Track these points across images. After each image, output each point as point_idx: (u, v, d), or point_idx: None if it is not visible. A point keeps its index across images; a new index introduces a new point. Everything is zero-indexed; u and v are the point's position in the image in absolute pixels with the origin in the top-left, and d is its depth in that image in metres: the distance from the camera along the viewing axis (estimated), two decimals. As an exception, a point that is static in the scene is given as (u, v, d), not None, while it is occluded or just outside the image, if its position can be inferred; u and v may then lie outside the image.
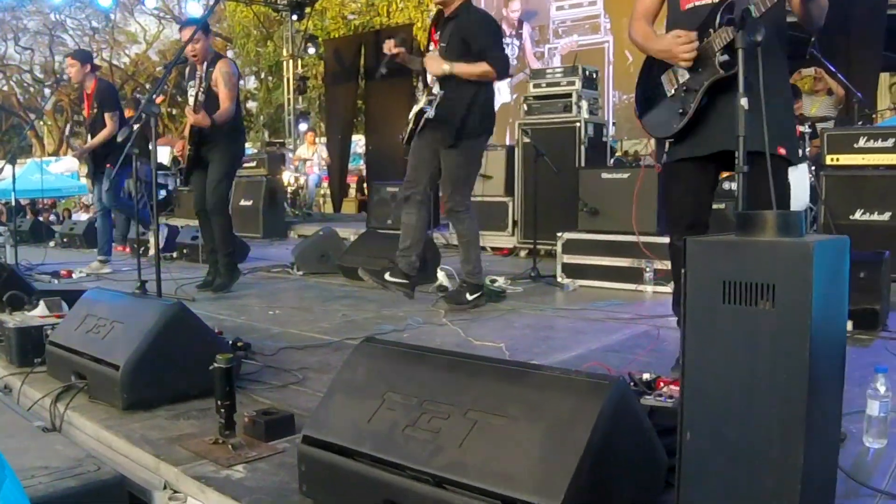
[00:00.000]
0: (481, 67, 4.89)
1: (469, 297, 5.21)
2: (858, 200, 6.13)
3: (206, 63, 5.93)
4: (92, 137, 7.60)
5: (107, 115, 7.47)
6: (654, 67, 3.35)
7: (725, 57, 2.98)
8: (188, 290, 5.90)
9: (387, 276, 5.08)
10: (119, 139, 5.15)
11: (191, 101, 5.84)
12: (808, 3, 2.90)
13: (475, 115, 5.02)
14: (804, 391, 1.51)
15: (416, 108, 5.16)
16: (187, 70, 6.23)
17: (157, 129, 4.38)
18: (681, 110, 3.19)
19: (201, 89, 5.62)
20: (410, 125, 5.14)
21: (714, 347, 1.60)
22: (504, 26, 13.23)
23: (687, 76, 3.17)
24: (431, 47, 5.17)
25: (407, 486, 1.81)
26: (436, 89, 5.03)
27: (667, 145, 3.32)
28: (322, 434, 2.03)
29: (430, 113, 4.94)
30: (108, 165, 7.50)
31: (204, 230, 6.37)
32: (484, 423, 1.78)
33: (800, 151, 6.94)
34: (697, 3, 3.17)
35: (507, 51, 13.86)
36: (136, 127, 4.96)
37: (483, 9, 4.86)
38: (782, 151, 3.04)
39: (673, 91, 3.24)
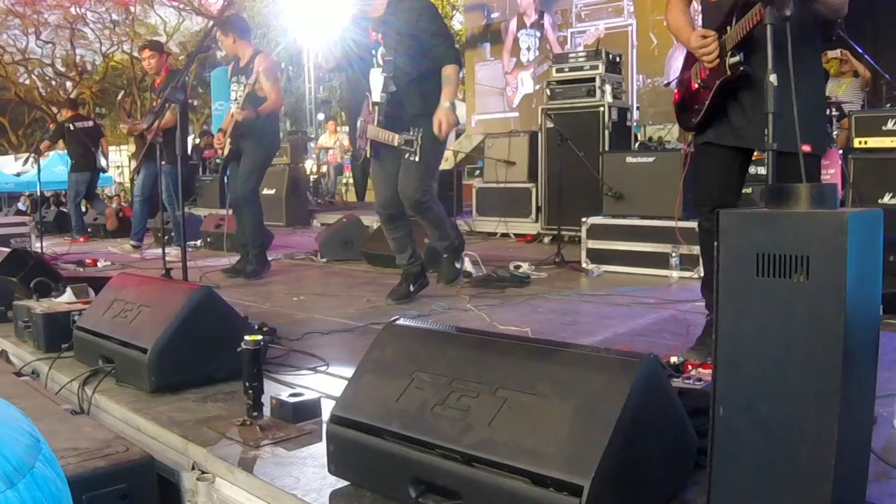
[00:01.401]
0: (453, 75, 4.67)
1: (458, 265, 5.24)
2: (887, 184, 6.04)
3: (246, 59, 6.14)
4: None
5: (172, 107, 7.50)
6: (690, 57, 3.34)
7: (736, 58, 2.97)
8: (213, 278, 5.92)
9: (411, 289, 5.04)
10: (143, 126, 5.19)
11: (232, 95, 6.14)
12: (813, 4, 2.86)
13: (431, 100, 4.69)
14: (839, 365, 1.49)
15: (379, 133, 4.78)
16: (231, 66, 6.42)
17: (183, 117, 4.39)
18: (697, 106, 3.22)
19: (247, 84, 5.86)
20: (368, 149, 4.91)
21: (748, 321, 1.57)
22: (525, 19, 13.22)
23: (706, 72, 3.16)
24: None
25: (436, 465, 1.80)
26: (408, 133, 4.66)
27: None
28: (350, 413, 2.02)
29: (414, 156, 4.61)
30: (163, 163, 7.40)
31: (240, 222, 6.41)
32: (513, 401, 1.77)
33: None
34: None
35: (529, 41, 14.06)
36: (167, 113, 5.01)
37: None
38: (807, 149, 3.00)
39: (696, 85, 3.24)
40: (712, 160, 3.27)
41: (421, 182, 4.69)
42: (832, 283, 1.46)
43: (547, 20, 13.20)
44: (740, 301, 1.57)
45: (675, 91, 3.47)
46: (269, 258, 6.77)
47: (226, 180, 6.45)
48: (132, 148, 7.77)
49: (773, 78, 2.52)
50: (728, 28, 3.03)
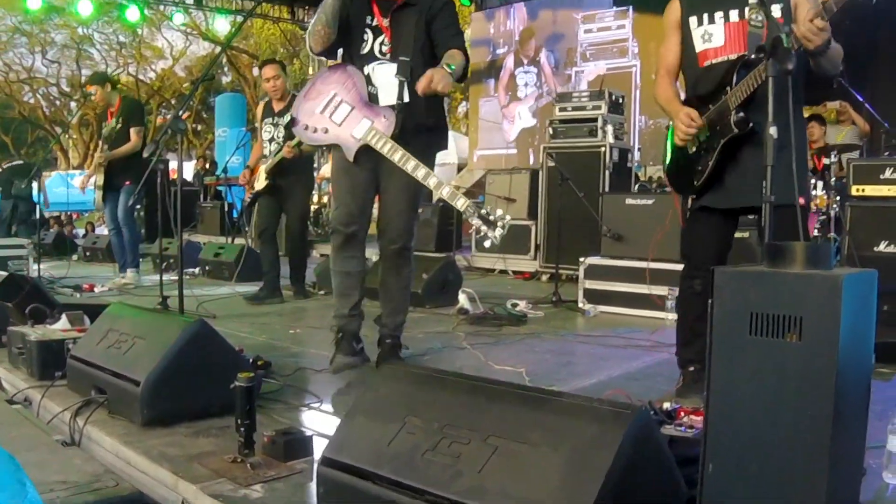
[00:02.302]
0: (460, 54, 3.77)
1: (403, 352, 4.16)
2: (883, 232, 6.05)
3: (284, 102, 6.51)
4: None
5: (132, 130, 7.52)
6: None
7: (741, 115, 3.03)
8: (209, 307, 5.92)
9: (336, 360, 3.99)
10: (145, 155, 5.22)
11: (265, 135, 6.60)
12: (818, 58, 2.92)
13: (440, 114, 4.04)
14: (829, 425, 1.50)
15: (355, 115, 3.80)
16: (262, 105, 6.83)
17: (182, 146, 4.42)
18: (699, 167, 3.27)
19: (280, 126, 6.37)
20: (355, 150, 3.78)
21: (740, 379, 1.58)
22: (522, 57, 13.37)
23: (707, 134, 3.20)
24: (367, 35, 3.85)
25: (426, 511, 1.79)
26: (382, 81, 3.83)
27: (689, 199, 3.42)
28: (341, 456, 2.02)
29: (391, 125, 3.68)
30: (127, 182, 7.51)
31: (264, 252, 6.81)
32: (504, 449, 1.77)
33: (821, 183, 6.96)
34: (714, 61, 3.23)
35: (527, 77, 14.17)
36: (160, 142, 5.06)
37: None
38: (802, 201, 3.06)
39: (694, 149, 3.29)
40: (706, 225, 3.34)
41: (414, 215, 3.98)
42: (825, 343, 1.47)
43: (544, 57, 13.30)
44: (733, 359, 1.58)
45: (669, 157, 3.50)
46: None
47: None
48: (100, 178, 7.70)
49: (773, 130, 2.55)
50: (728, 89, 3.08)
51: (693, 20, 3.30)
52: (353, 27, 3.85)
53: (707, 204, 3.29)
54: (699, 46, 3.28)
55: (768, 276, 1.54)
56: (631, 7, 12.13)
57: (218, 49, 33.21)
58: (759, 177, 2.58)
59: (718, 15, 3.20)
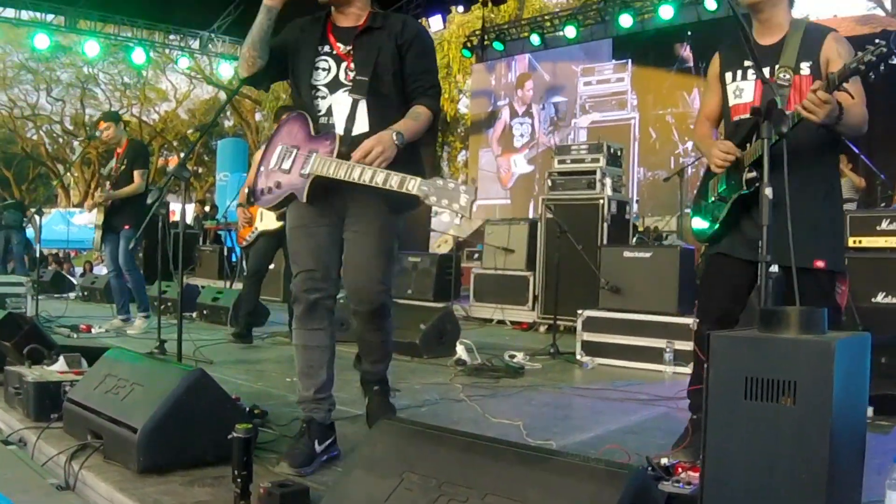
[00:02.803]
0: (424, 117, 3.28)
1: (392, 400, 3.83)
2: (881, 283, 6.10)
3: None
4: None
5: (136, 172, 7.54)
6: (708, 171, 3.44)
7: (753, 174, 3.06)
8: (206, 352, 5.91)
9: (317, 449, 3.18)
10: (149, 201, 5.27)
11: None
12: (840, 128, 2.95)
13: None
14: (823, 486, 1.52)
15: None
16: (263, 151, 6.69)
17: (187, 193, 4.46)
18: (712, 218, 3.32)
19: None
20: (306, 190, 3.22)
21: (735, 442, 1.60)
22: (517, 105, 13.55)
23: (724, 186, 3.25)
24: (327, 64, 3.38)
25: (421, 569, 1.79)
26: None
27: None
28: (338, 510, 2.02)
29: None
30: (126, 226, 7.48)
31: (250, 292, 6.93)
32: (501, 507, 1.77)
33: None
34: (743, 117, 3.25)
35: (521, 128, 14.33)
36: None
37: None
38: (820, 264, 3.02)
39: (712, 198, 3.33)
40: (723, 271, 3.33)
41: (388, 266, 3.39)
42: (818, 407, 1.50)
43: (536, 109, 13.44)
44: (728, 422, 1.60)
45: (693, 203, 3.57)
46: (264, 335, 6.87)
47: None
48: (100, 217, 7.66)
49: (768, 191, 2.59)
50: (748, 146, 3.12)
51: (728, 75, 3.35)
52: (301, 57, 3.40)
53: (724, 251, 3.30)
54: (731, 101, 3.33)
55: (762, 341, 1.57)
56: (630, 60, 12.37)
57: (222, 94, 33.72)
58: (778, 236, 2.61)
59: (751, 71, 3.23)
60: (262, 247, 6.80)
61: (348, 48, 3.35)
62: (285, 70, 3.48)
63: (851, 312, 5.95)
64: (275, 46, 3.38)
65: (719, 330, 1.70)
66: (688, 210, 8.28)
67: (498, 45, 15.09)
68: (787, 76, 3.05)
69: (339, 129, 3.25)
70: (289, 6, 3.34)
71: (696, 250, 6.24)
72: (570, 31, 13.42)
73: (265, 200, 3.39)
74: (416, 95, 3.35)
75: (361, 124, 3.26)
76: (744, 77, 3.28)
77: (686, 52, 12.15)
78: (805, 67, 3.08)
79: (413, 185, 2.84)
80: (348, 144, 3.17)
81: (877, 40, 2.60)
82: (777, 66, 3.11)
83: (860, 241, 6.35)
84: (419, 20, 12.49)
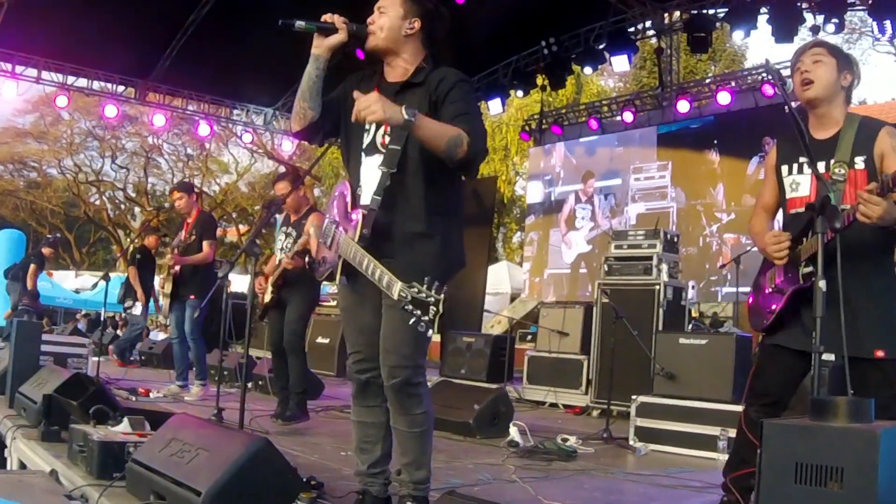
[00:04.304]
0: (456, 130, 2.99)
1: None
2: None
3: (299, 214, 6.50)
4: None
5: (205, 243, 7.79)
6: (766, 263, 3.51)
7: (809, 269, 3.12)
8: (262, 423, 6.01)
9: None
10: (220, 275, 5.45)
11: (279, 244, 6.48)
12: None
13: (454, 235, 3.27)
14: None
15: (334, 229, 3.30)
16: (281, 216, 6.79)
17: (255, 267, 4.63)
18: (769, 310, 3.36)
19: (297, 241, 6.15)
20: (339, 269, 3.25)
21: (785, 526, 1.65)
22: (581, 195, 14.52)
23: (782, 278, 3.30)
24: (372, 128, 3.25)
25: None
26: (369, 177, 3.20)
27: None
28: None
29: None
30: (191, 296, 7.72)
31: (277, 367, 6.61)
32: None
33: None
34: (798, 211, 3.32)
35: (583, 212, 14.60)
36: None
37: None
38: (880, 354, 3.06)
39: (769, 290, 3.39)
40: (777, 361, 3.37)
41: (413, 341, 3.13)
42: (864, 492, 1.55)
43: (597, 199, 14.36)
44: (779, 505, 1.66)
45: (750, 293, 3.62)
46: (318, 409, 6.90)
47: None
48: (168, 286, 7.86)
49: (822, 284, 2.65)
50: (804, 240, 3.19)
51: (784, 169, 3.42)
52: (351, 113, 3.06)
53: (780, 342, 3.34)
54: (788, 194, 3.40)
55: (812, 429, 1.63)
56: (671, 162, 13.30)
57: (282, 168, 34.48)
58: (834, 329, 2.66)
59: (806, 166, 3.29)
60: (271, 319, 6.70)
61: None
62: (339, 126, 3.37)
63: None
64: (330, 100, 3.31)
65: (767, 415, 1.77)
66: (744, 298, 8.27)
67: (555, 129, 15.34)
68: (842, 171, 3.12)
69: (366, 199, 3.13)
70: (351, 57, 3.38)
71: (752, 338, 6.21)
72: (627, 116, 13.64)
73: (319, 273, 3.51)
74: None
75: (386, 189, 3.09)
76: (800, 171, 3.34)
77: (714, 154, 12.90)
78: (860, 162, 3.15)
79: (395, 288, 2.77)
80: (370, 226, 3.05)
81: None
82: (832, 161, 3.18)
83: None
84: (479, 103, 12.91)
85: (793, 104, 3.01)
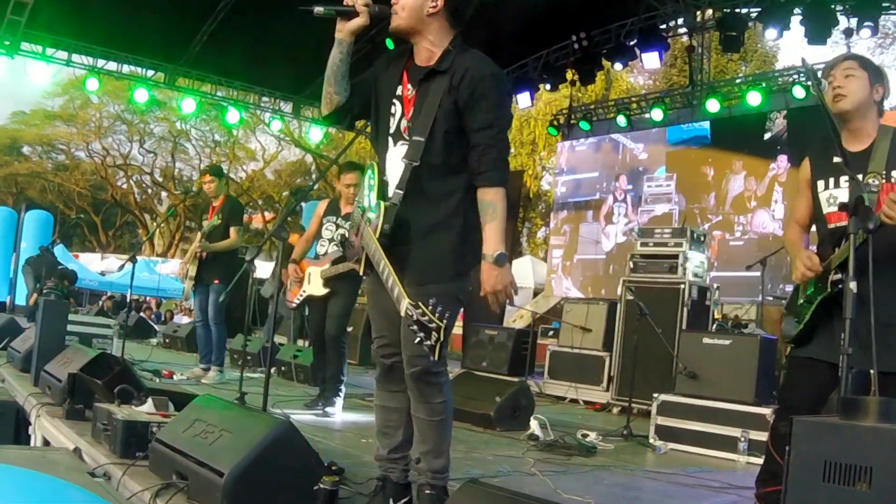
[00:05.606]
0: (498, 203, 3.04)
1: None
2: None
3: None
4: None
5: (232, 229, 7.85)
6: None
7: (838, 276, 3.11)
8: (283, 408, 6.04)
9: None
10: (247, 259, 5.48)
11: (325, 233, 6.50)
12: None
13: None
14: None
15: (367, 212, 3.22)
16: (325, 203, 6.80)
17: (282, 252, 4.66)
18: (797, 320, 3.36)
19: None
20: (362, 262, 3.20)
21: (811, 524, 1.64)
22: (617, 193, 15.20)
23: (812, 289, 3.29)
24: (394, 108, 3.20)
25: None
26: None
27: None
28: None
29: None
30: (216, 281, 7.77)
31: (317, 358, 6.71)
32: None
33: None
34: (839, 224, 3.27)
35: (618, 210, 14.69)
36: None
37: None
38: None
39: (801, 300, 3.37)
40: (807, 373, 3.35)
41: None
42: (893, 493, 1.53)
43: (629, 197, 14.99)
44: (806, 502, 1.65)
45: (787, 304, 3.61)
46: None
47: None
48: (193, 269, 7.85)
49: (853, 285, 2.63)
50: (837, 250, 3.18)
51: (821, 183, 3.39)
52: (382, 98, 3.21)
53: (810, 354, 3.32)
54: (825, 208, 3.36)
55: (842, 428, 1.62)
56: (675, 174, 14.02)
57: (308, 156, 34.55)
58: (865, 339, 2.65)
59: (844, 179, 3.27)
60: (312, 313, 6.76)
61: (414, 92, 3.12)
62: (369, 108, 3.31)
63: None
64: (360, 82, 3.26)
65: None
66: (770, 298, 8.24)
67: (584, 125, 15.30)
68: (877, 182, 3.09)
69: (390, 191, 3.10)
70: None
71: (777, 340, 6.17)
72: (656, 114, 13.58)
73: (349, 255, 3.46)
74: (473, 162, 3.05)
75: (406, 183, 3.06)
76: (836, 185, 3.31)
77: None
78: (895, 175, 3.13)
79: (402, 305, 2.75)
80: (391, 221, 3.02)
81: None
82: (866, 173, 3.16)
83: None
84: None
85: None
